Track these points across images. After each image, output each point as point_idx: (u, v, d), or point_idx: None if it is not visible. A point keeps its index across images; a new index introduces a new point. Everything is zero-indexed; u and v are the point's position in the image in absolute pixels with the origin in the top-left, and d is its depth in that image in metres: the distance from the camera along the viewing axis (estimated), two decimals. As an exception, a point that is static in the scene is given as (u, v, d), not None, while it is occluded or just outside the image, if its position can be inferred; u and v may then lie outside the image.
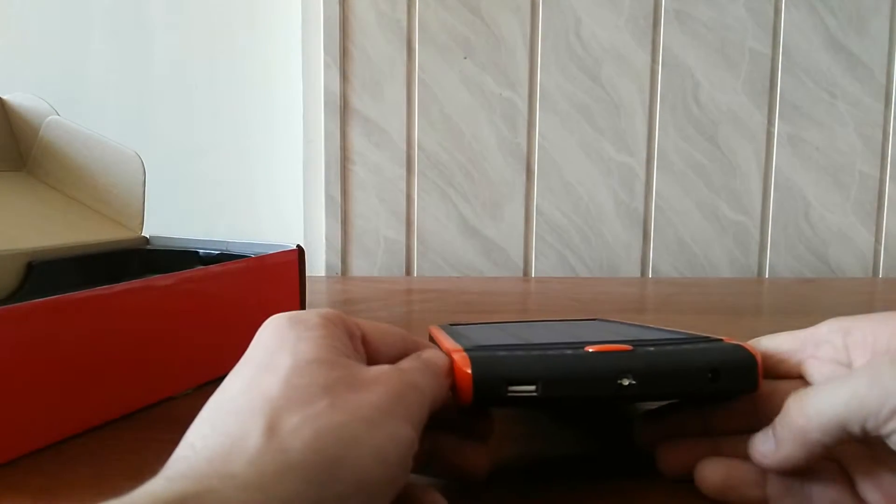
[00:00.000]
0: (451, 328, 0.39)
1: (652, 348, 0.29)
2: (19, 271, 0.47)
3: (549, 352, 0.28)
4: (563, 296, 0.76)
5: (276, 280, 0.50)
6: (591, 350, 0.28)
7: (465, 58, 0.88)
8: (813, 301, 0.75)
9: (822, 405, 0.25)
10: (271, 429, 0.22)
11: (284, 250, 0.51)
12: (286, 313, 0.27)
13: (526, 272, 0.91)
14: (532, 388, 0.27)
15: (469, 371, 0.27)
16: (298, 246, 0.51)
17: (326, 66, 0.87)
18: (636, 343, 0.29)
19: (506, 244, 0.90)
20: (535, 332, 0.38)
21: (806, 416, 0.26)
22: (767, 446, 0.27)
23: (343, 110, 0.88)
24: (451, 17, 0.87)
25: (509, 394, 0.27)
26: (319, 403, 0.23)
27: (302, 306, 0.52)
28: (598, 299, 0.74)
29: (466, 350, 0.29)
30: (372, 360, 0.28)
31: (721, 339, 0.31)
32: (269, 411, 0.22)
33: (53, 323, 0.34)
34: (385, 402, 0.24)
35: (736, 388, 0.29)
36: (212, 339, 0.43)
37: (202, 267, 0.45)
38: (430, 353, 0.29)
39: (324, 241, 0.90)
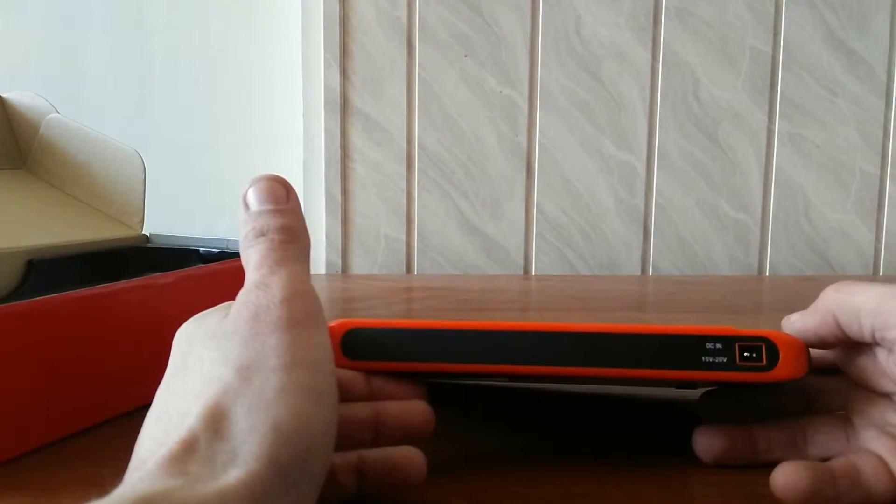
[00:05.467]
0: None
1: None
2: (19, 269, 0.47)
3: None
4: (564, 294, 0.76)
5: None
6: None
7: (466, 55, 0.88)
8: (813, 299, 0.74)
9: (851, 294, 0.30)
10: (212, 424, 0.22)
11: (285, 248, 0.50)
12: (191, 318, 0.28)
13: (526, 270, 0.91)
14: None
15: (804, 346, 0.30)
16: (299, 244, 0.51)
17: (327, 63, 0.87)
18: None
19: (506, 242, 0.90)
20: None
21: (834, 297, 0.30)
22: (798, 315, 0.32)
23: (343, 108, 0.88)
24: (451, 15, 0.87)
25: None
26: (230, 380, 0.23)
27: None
28: (598, 297, 0.74)
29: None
30: None
31: None
32: (200, 408, 0.22)
33: (54, 321, 0.34)
34: (277, 337, 0.23)
35: None
36: (212, 337, 0.43)
37: (203, 265, 0.45)
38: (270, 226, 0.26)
39: (324, 238, 0.90)
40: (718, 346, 0.29)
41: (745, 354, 0.29)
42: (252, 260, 0.26)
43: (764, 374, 0.29)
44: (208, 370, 0.23)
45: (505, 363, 0.30)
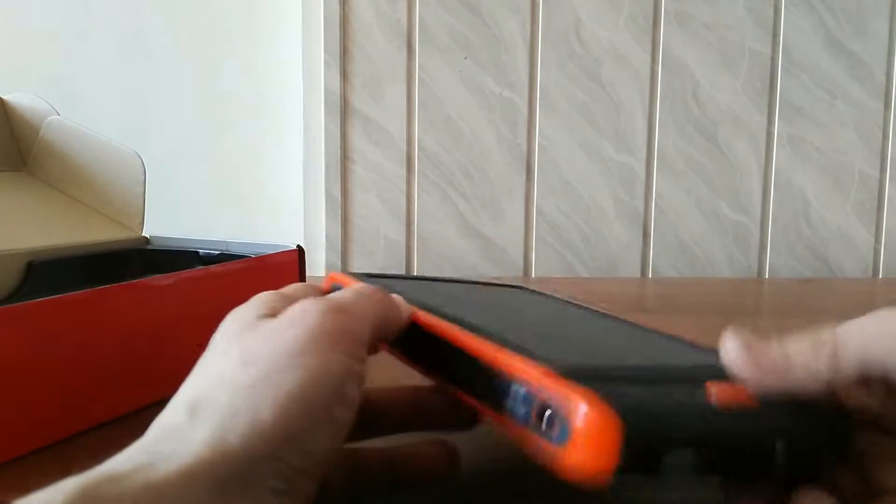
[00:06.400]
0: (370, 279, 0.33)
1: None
2: (20, 271, 0.47)
3: (697, 400, 0.21)
4: (564, 296, 0.76)
5: (277, 280, 0.50)
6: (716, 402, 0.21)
7: (466, 57, 0.88)
8: (813, 301, 0.74)
9: (850, 336, 0.22)
10: (192, 409, 0.22)
11: (285, 250, 0.51)
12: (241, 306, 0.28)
13: (526, 272, 0.91)
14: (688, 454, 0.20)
15: (618, 426, 0.18)
16: (298, 246, 0.51)
17: (327, 65, 0.87)
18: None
19: (506, 244, 0.90)
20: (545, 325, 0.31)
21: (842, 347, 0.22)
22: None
23: (343, 110, 0.88)
24: (451, 17, 0.87)
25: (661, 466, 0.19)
26: (233, 370, 0.23)
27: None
28: (597, 299, 0.74)
29: (583, 381, 0.19)
30: None
31: None
32: (192, 395, 0.23)
33: (54, 322, 0.34)
34: (299, 342, 0.23)
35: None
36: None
37: (202, 267, 0.45)
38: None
39: (324, 240, 0.90)
40: (522, 391, 0.20)
41: (545, 416, 0.19)
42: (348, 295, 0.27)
43: (552, 449, 0.19)
44: (220, 366, 0.24)
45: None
